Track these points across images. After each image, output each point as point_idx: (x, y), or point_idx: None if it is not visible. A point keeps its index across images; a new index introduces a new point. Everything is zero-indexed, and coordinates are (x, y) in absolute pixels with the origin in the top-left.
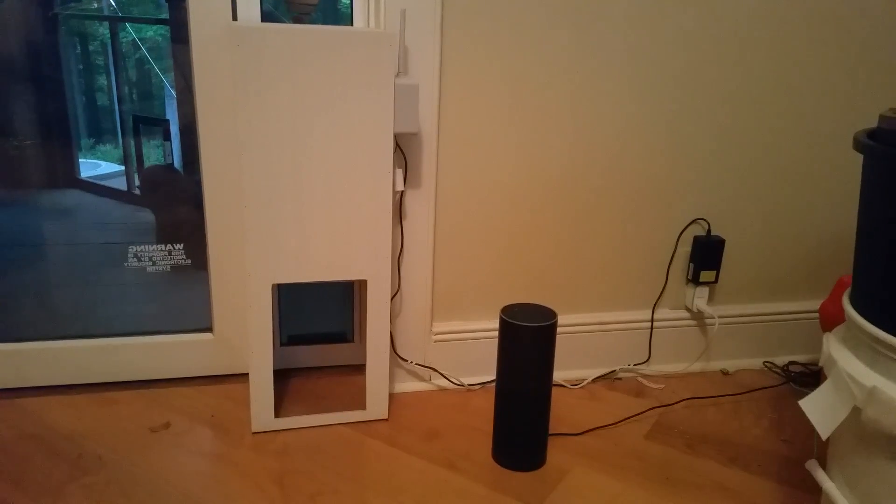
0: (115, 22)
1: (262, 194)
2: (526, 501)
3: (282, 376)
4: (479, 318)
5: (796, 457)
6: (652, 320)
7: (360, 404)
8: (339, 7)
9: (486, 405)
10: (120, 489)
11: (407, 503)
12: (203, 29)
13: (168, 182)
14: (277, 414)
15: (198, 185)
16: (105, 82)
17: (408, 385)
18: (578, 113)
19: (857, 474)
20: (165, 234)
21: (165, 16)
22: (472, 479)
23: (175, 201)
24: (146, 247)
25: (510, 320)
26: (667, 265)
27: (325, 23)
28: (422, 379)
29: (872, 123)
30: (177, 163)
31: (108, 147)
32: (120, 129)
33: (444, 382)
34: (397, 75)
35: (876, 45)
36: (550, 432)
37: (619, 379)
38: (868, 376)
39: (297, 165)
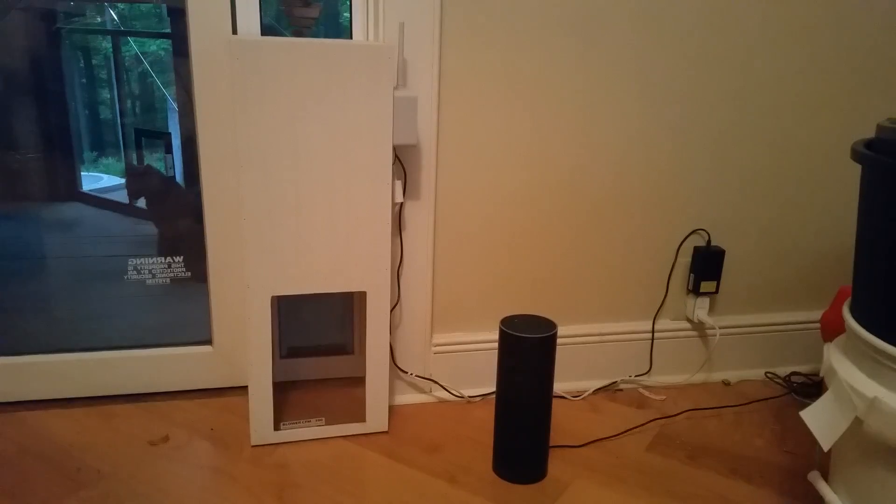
0: (117, 36)
1: (261, 206)
2: None
3: (281, 389)
4: (480, 330)
5: (799, 468)
6: (653, 331)
7: (360, 417)
8: (340, 21)
9: (486, 417)
10: (118, 503)
11: None
12: (203, 42)
13: (154, 185)
14: (277, 427)
15: (198, 197)
16: (108, 96)
17: (408, 397)
18: (578, 125)
19: (860, 485)
20: (165, 247)
21: (168, 30)
22: (472, 492)
23: (174, 212)
24: (146, 259)
25: (510, 331)
26: (667, 276)
27: (325, 36)
28: (422, 391)
29: (871, 134)
30: (178, 175)
31: (111, 160)
32: (122, 142)
33: (444, 394)
34: (396, 88)
35: (876, 56)
36: (551, 444)
37: (620, 390)
38: (869, 387)
39: (296, 177)
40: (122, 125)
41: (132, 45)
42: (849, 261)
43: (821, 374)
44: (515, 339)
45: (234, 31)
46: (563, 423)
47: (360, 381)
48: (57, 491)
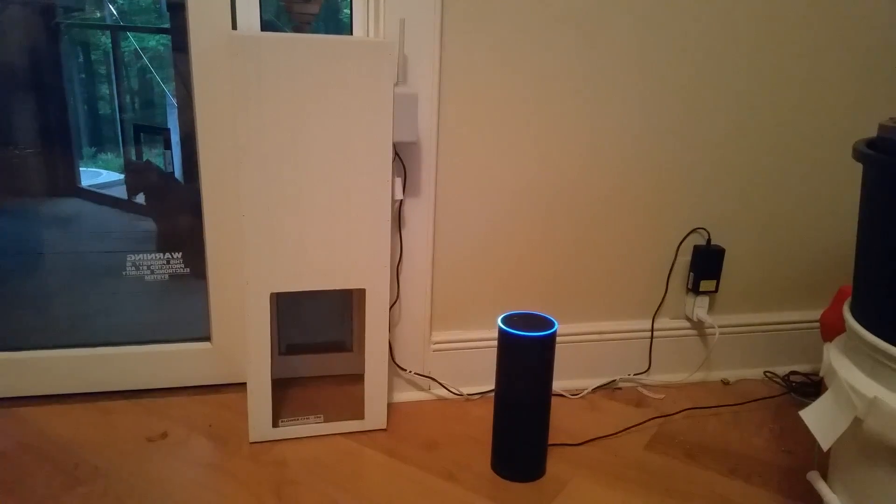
0: (117, 31)
1: (260, 203)
2: None
3: (280, 385)
4: (479, 328)
5: (798, 468)
6: (652, 330)
7: (359, 414)
8: (340, 17)
9: (485, 415)
10: (116, 499)
11: None
12: (203, 38)
13: (153, 181)
14: (275, 424)
15: (197, 193)
16: (107, 91)
17: (406, 395)
18: (579, 123)
19: (859, 485)
20: (164, 243)
21: (167, 25)
22: (471, 489)
23: (173, 208)
24: (145, 255)
25: (509, 330)
26: (667, 274)
27: (325, 33)
28: (421, 388)
29: (872, 133)
30: (177, 171)
31: (110, 156)
32: (121, 137)
33: (442, 392)
34: (396, 84)
35: (877, 55)
36: (550, 442)
37: (619, 389)
38: (869, 387)
39: (295, 174)
40: (121, 121)
41: (131, 41)
42: (849, 260)
43: (821, 374)
44: (514, 337)
45: (234, 27)
46: (562, 422)
47: (358, 378)
48: (55, 487)
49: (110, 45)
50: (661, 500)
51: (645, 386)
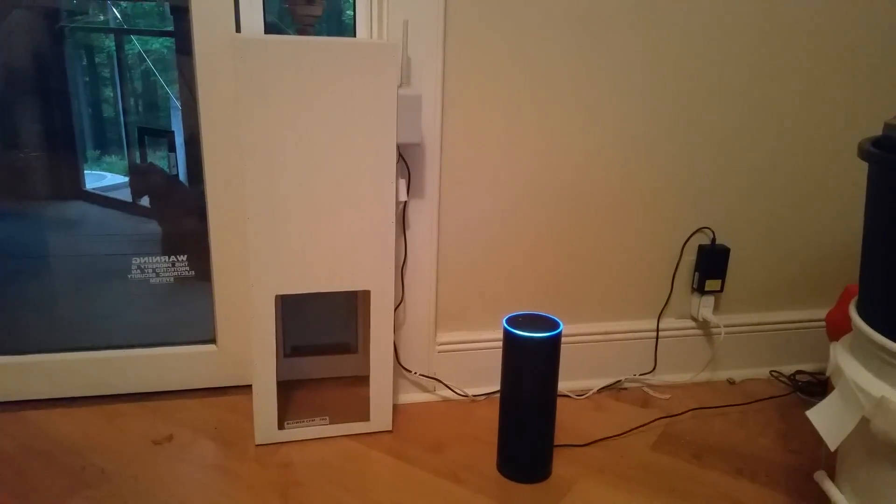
0: (120, 34)
1: (265, 205)
2: None
3: (285, 387)
4: (484, 329)
5: (804, 467)
6: (657, 330)
7: (364, 416)
8: (343, 19)
9: (490, 416)
10: (122, 502)
11: None
12: (207, 41)
13: (157, 184)
14: (281, 426)
15: (201, 195)
16: (111, 94)
17: (412, 396)
18: (583, 123)
19: (867, 485)
20: (169, 245)
21: (171, 28)
22: (476, 491)
23: (178, 211)
24: (150, 258)
25: (514, 331)
26: (672, 274)
27: (328, 34)
28: (426, 390)
29: (878, 131)
30: (181, 174)
31: (114, 158)
32: (125, 140)
33: (448, 393)
34: (400, 86)
35: (881, 53)
36: (556, 443)
37: (625, 389)
38: (876, 386)
39: (299, 176)
40: (126, 123)
41: (135, 44)
42: (854, 259)
43: (827, 374)
44: (520, 338)
45: (238, 30)
46: (568, 423)
47: (364, 380)
48: (61, 490)
49: (114, 48)
50: (668, 501)
51: (650, 386)
